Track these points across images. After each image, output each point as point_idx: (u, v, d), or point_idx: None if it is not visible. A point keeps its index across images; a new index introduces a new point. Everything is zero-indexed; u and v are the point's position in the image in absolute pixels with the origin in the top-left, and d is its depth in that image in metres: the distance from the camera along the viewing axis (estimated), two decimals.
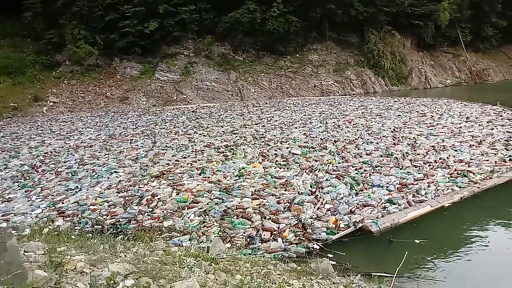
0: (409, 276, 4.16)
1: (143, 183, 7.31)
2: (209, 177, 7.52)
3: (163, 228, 5.35)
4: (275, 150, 9.66)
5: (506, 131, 11.24)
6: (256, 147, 10.15)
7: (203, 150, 10.00)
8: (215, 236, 5.07)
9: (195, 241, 4.96)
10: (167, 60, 25.76)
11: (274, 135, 11.71)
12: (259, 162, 8.56)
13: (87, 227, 5.50)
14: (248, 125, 13.98)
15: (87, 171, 8.44)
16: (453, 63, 35.96)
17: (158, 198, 6.44)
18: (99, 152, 10.27)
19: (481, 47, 38.26)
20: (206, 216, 5.71)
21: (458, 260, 4.66)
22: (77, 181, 7.72)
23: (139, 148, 10.53)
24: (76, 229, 5.45)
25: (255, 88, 26.36)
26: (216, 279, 2.88)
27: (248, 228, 5.37)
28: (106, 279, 2.34)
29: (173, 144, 10.87)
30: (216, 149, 9.97)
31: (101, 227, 5.48)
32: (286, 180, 7.22)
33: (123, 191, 6.91)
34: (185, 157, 9.26)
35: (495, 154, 8.82)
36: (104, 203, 6.41)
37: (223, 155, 9.28)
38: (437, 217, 5.79)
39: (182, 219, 5.64)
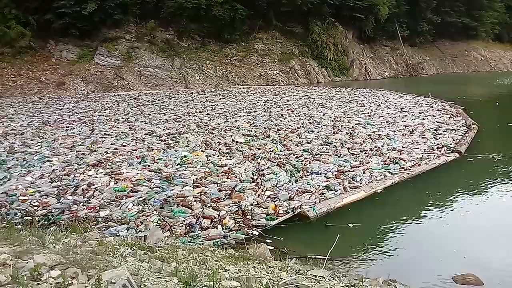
0: (342, 257, 4.37)
1: (79, 172, 7.00)
2: (149, 166, 7.35)
3: (99, 218, 5.18)
4: (219, 139, 9.64)
5: (436, 121, 12.03)
6: (199, 135, 10.06)
7: (144, 138, 9.75)
8: (154, 225, 5.00)
9: (133, 230, 4.86)
10: (107, 44, 24.62)
11: (218, 124, 11.67)
12: (202, 151, 8.50)
13: (16, 219, 5.20)
14: (192, 113, 13.81)
15: (17, 160, 7.90)
16: (391, 56, 37.72)
17: (95, 188, 6.21)
18: (31, 140, 9.66)
19: (417, 42, 40.39)
20: (145, 205, 5.60)
21: (388, 241, 4.96)
22: (6, 171, 7.22)
23: (75, 136, 10.04)
24: (4, 221, 5.12)
25: (200, 75, 26.03)
26: (150, 267, 2.84)
27: (188, 216, 5.34)
28: (30, 270, 2.23)
29: (112, 132, 10.48)
30: (158, 137, 9.76)
31: (31, 218, 5.19)
32: (229, 168, 7.25)
33: (56, 181, 6.57)
34: (124, 145, 8.97)
35: (424, 142, 9.43)
36: (36, 193, 6.06)
37: (165, 143, 9.11)
38: (370, 201, 6.11)
39: (120, 208, 5.49)
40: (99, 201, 5.75)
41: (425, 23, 39.46)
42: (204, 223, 5.14)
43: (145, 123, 11.79)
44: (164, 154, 8.20)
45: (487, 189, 6.81)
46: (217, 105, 15.97)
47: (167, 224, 5.08)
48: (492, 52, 45.20)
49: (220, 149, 8.66)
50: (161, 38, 26.85)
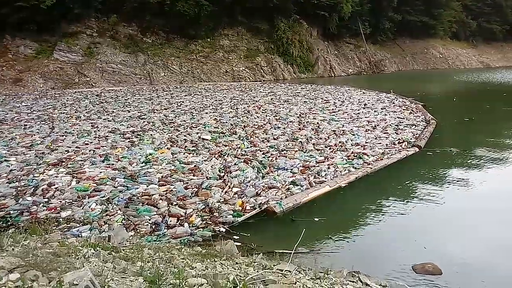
0: (307, 251, 4.45)
1: (39, 172, 6.73)
2: (113, 164, 7.18)
3: (61, 219, 5.02)
4: (185, 136, 9.55)
5: (397, 117, 12.42)
6: (164, 132, 9.93)
7: (107, 136, 9.51)
8: (118, 225, 4.90)
9: (96, 230, 4.74)
10: (67, 39, 23.82)
11: (184, 121, 11.56)
12: (167, 148, 8.39)
13: None
14: (157, 110, 13.60)
15: None
16: (355, 53, 38.57)
17: (56, 188, 5.99)
18: None
19: (379, 39, 41.53)
20: (109, 205, 5.47)
21: (352, 234, 5.08)
22: None
23: (34, 134, 9.66)
24: None
25: (165, 72, 25.67)
26: (115, 268, 2.79)
27: (154, 214, 5.26)
28: None
29: (73, 130, 10.16)
30: (122, 135, 9.55)
31: None
32: (195, 166, 7.19)
33: (14, 181, 6.29)
34: (87, 144, 8.72)
35: (386, 137, 9.71)
36: None
37: (129, 141, 8.92)
38: (335, 196, 6.24)
39: (82, 208, 5.33)
40: (60, 201, 5.56)
41: (386, 21, 40.64)
42: (171, 221, 5.08)
43: (108, 121, 11.51)
44: (128, 152, 8.03)
45: (446, 181, 7.11)
46: (183, 101, 15.81)
47: (132, 223, 4.99)
48: (450, 50, 47.06)
49: (186, 146, 8.59)
50: (124, 33, 26.26)
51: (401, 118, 12.21)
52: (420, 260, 4.24)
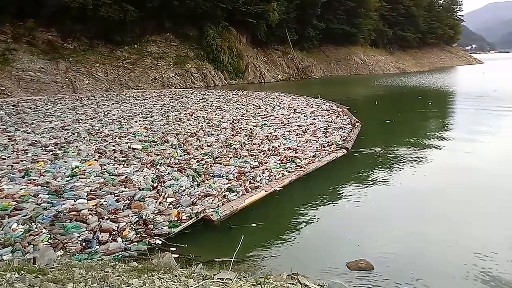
0: (247, 257, 4.46)
1: None
2: (35, 180, 6.67)
3: None
4: (114, 146, 9.15)
5: (325, 121, 12.94)
6: (91, 143, 9.43)
7: (27, 149, 8.82)
8: (44, 245, 4.55)
9: (19, 252, 4.36)
10: None
11: (112, 130, 11.08)
12: (95, 160, 7.98)
13: None
14: (82, 120, 12.89)
15: None
16: (283, 60, 39.62)
17: None
18: None
19: (305, 46, 43.12)
20: (33, 224, 5.06)
21: (289, 237, 5.19)
22: None
23: None
24: None
25: (90, 79, 24.45)
26: None
27: (84, 231, 4.96)
28: None
29: None
30: (44, 148, 8.91)
31: None
32: (126, 177, 6.91)
33: None
34: (4, 159, 8.01)
35: (316, 141, 10.07)
36: None
37: (52, 154, 8.35)
38: (271, 200, 6.33)
39: (2, 229, 4.88)
40: None
41: (311, 29, 42.36)
42: (102, 237, 4.82)
43: (28, 133, 10.68)
44: (51, 165, 7.51)
45: (372, 180, 7.52)
46: (110, 110, 15.16)
47: (59, 242, 4.66)
48: (370, 56, 50.12)
49: (115, 157, 8.23)
50: (42, 39, 24.65)
51: (329, 122, 12.75)
52: (354, 257, 4.44)
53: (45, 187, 6.30)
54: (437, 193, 6.85)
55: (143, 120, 12.79)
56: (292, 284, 3.46)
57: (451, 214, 5.88)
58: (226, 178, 7.02)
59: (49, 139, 9.87)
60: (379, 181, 7.45)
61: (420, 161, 8.92)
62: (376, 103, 20.74)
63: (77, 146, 9.04)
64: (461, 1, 77.46)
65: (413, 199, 6.61)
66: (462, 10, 79.32)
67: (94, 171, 7.15)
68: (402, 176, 7.82)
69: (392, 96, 24.61)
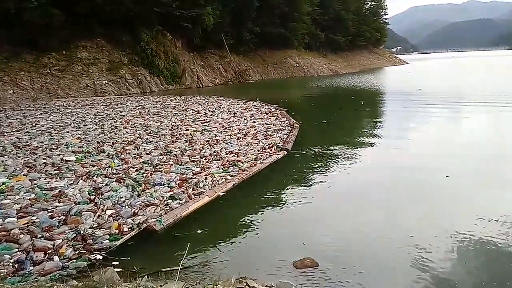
0: (194, 265, 4.38)
1: None
2: None
3: None
4: (44, 159, 8.58)
5: (265, 123, 13.12)
6: (19, 157, 8.78)
7: None
8: None
9: None
10: None
11: (42, 142, 10.40)
12: (24, 175, 7.43)
13: None
14: (6, 132, 11.96)
15: None
16: (220, 64, 39.67)
17: None
18: None
19: (242, 50, 43.51)
20: None
21: (235, 241, 5.18)
22: None
23: None
24: None
25: (14, 89, 22.80)
26: None
27: (16, 252, 4.60)
28: None
29: None
30: None
31: None
32: (60, 191, 6.52)
33: None
34: None
35: (257, 143, 10.18)
36: None
37: None
38: (215, 205, 6.29)
39: None
40: None
41: (247, 33, 42.85)
42: (37, 256, 4.50)
43: None
44: None
45: (314, 179, 7.74)
46: (38, 121, 14.23)
47: None
48: (305, 59, 51.73)
49: (47, 170, 7.72)
50: None
51: (269, 124, 12.94)
52: (300, 256, 4.53)
53: None
54: (373, 188, 7.20)
55: (76, 130, 12.16)
56: (241, 287, 3.46)
57: (387, 208, 6.20)
58: (168, 186, 6.87)
59: None
60: (320, 180, 7.68)
61: (356, 158, 9.32)
62: (313, 104, 21.41)
63: (2, 161, 8.37)
64: (386, 6, 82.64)
65: (351, 195, 6.89)
66: (387, 14, 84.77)
67: (23, 187, 6.66)
68: (340, 173, 8.12)
69: (327, 97, 25.54)
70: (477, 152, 9.56)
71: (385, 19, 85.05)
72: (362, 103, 20.83)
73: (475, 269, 4.33)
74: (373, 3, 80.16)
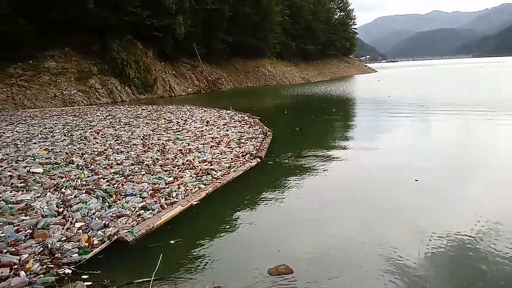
0: (167, 276, 4.29)
1: None
2: None
3: None
4: (10, 171, 8.27)
5: (238, 132, 13.11)
6: None
7: None
8: None
9: None
10: None
11: (7, 154, 10.04)
12: None
13: None
14: None
15: None
16: (192, 73, 39.54)
17: None
18: None
19: (214, 59, 43.54)
20: None
21: (210, 250, 5.11)
22: None
23: None
24: None
25: None
26: None
27: None
28: None
29: None
30: None
31: None
32: (26, 204, 6.29)
33: None
34: None
35: (231, 152, 10.15)
36: None
37: None
38: (188, 215, 6.21)
39: None
40: None
41: (219, 43, 42.96)
42: (2, 272, 4.31)
43: None
44: None
45: (287, 186, 7.76)
46: (4, 132, 13.75)
47: None
48: (277, 68, 52.25)
49: (12, 183, 7.44)
50: None
51: (242, 133, 12.95)
52: (274, 263, 4.51)
53: None
54: (346, 194, 7.30)
55: (44, 141, 11.80)
56: None
57: (360, 213, 6.27)
58: (140, 196, 6.74)
59: None
60: (293, 187, 7.71)
61: (328, 164, 9.42)
62: (286, 112, 21.58)
63: None
64: (355, 16, 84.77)
65: (325, 202, 6.93)
66: (356, 24, 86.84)
67: None
68: (313, 180, 8.18)
69: (299, 105, 25.81)
70: (445, 156, 9.86)
71: (354, 29, 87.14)
72: (334, 110, 21.14)
73: (447, 271, 4.44)
74: (342, 13, 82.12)
